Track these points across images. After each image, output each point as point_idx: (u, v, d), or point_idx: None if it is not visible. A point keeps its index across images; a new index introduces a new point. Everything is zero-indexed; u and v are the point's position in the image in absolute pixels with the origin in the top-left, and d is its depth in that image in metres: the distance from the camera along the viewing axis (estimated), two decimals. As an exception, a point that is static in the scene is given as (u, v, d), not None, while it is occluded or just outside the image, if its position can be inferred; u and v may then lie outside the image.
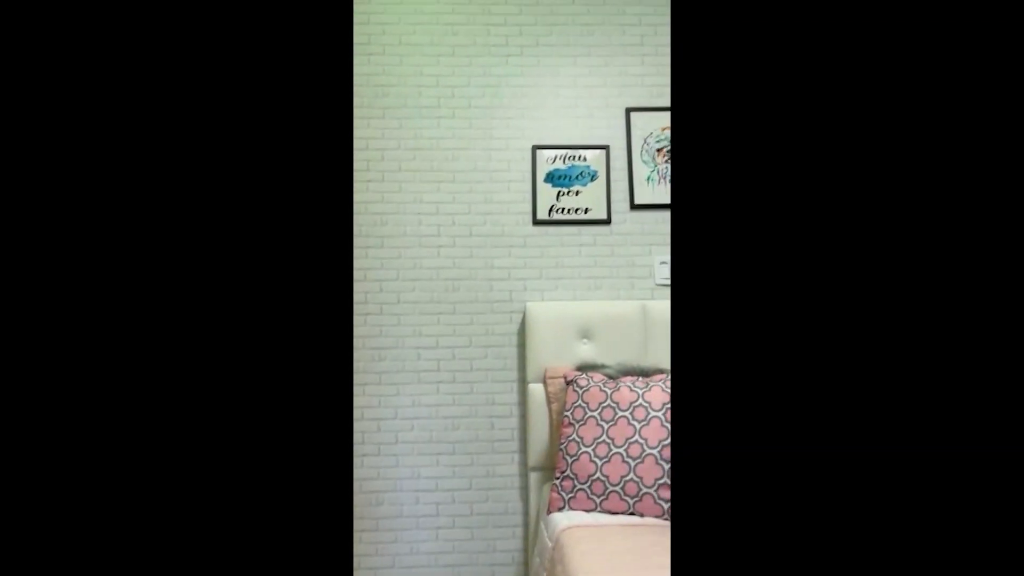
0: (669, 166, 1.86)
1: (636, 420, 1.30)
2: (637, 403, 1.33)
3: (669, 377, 1.39)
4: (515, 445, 1.75)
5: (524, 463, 1.73)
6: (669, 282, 1.82)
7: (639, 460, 1.25)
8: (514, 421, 1.76)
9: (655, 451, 1.26)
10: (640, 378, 1.43)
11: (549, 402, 1.62)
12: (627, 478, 1.25)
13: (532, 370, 1.68)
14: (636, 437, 1.28)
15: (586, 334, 1.70)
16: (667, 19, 1.90)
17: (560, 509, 1.31)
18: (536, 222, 1.82)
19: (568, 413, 1.43)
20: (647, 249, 1.84)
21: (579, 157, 1.84)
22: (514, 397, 1.76)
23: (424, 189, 1.82)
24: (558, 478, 1.34)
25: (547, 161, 1.84)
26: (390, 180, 1.82)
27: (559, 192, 1.83)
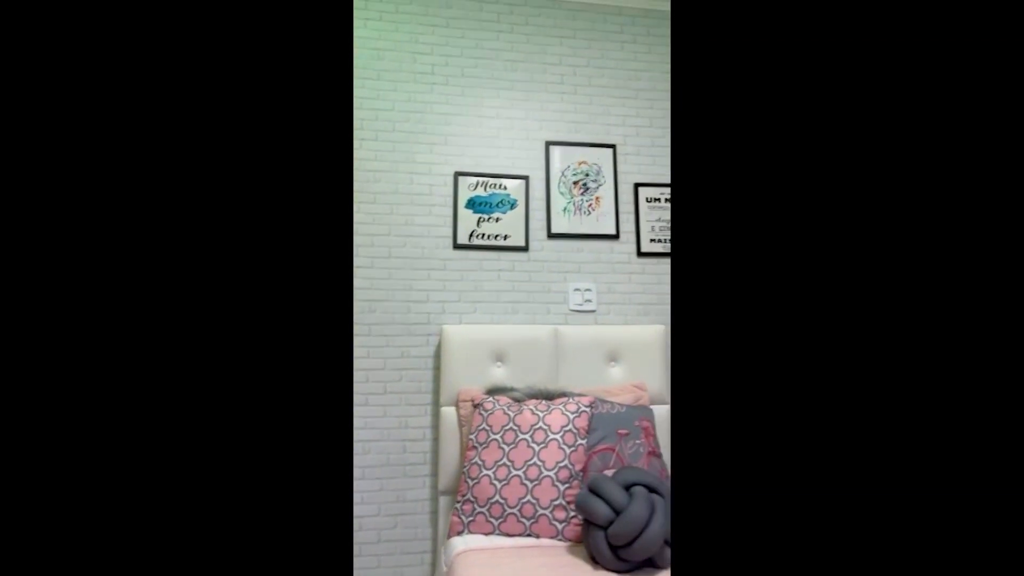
0: (584, 198, 1.96)
1: (536, 443, 1.34)
2: (538, 426, 1.37)
3: (572, 400, 1.45)
4: (427, 469, 1.74)
5: (435, 487, 1.72)
6: (583, 308, 1.90)
7: (536, 482, 1.29)
8: (427, 444, 1.75)
9: (552, 473, 1.30)
10: (544, 401, 1.47)
11: (460, 425, 1.63)
12: (524, 500, 1.27)
13: (446, 393, 1.69)
14: (535, 459, 1.32)
15: (500, 357, 1.74)
16: (587, 60, 2.03)
17: (459, 533, 1.31)
18: (456, 246, 1.85)
19: (472, 436, 1.45)
20: (563, 276, 1.91)
21: (500, 185, 1.91)
22: (427, 420, 1.76)
23: (344, 209, 1.81)
24: (459, 502, 1.35)
25: (469, 187, 1.89)
26: (309, 198, 1.80)
27: (480, 218, 1.88)
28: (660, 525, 1.06)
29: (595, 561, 1.11)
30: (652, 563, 1.09)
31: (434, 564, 1.68)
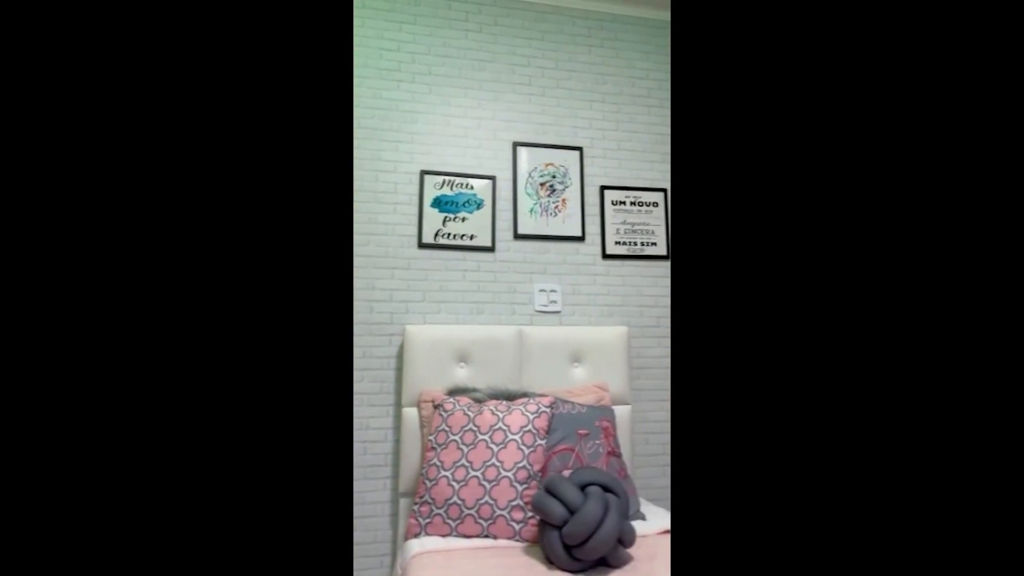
0: (551, 200, 1.97)
1: (494, 443, 1.34)
2: (497, 426, 1.36)
3: (532, 401, 1.45)
4: (388, 471, 1.71)
5: (396, 489, 1.70)
6: (548, 309, 1.91)
7: (494, 483, 1.28)
8: (388, 446, 1.72)
9: (510, 473, 1.29)
10: (504, 402, 1.47)
11: (422, 426, 1.61)
12: (482, 501, 1.27)
13: (408, 394, 1.67)
14: (493, 460, 1.31)
15: (463, 358, 1.73)
16: (555, 63, 2.04)
17: (417, 535, 1.30)
18: (421, 245, 1.83)
19: (432, 437, 1.43)
20: (528, 277, 1.92)
21: (466, 185, 1.90)
22: (389, 421, 1.74)
23: (305, 206, 1.77)
24: (417, 503, 1.34)
25: (435, 186, 1.87)
26: (269, 194, 1.76)
27: (445, 218, 1.87)
28: (614, 524, 1.07)
29: (550, 561, 1.11)
30: (605, 562, 1.10)
31: (393, 566, 1.65)
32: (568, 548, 1.08)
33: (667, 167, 2.08)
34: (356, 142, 1.84)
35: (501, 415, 1.39)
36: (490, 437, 1.35)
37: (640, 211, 2.03)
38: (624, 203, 2.02)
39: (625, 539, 1.11)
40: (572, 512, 1.09)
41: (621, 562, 1.11)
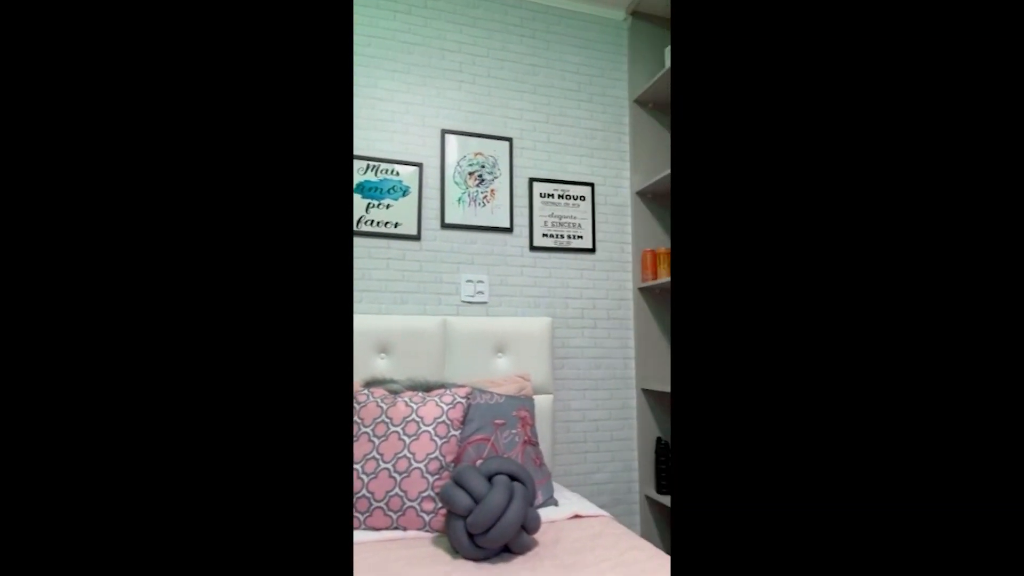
0: (480, 190, 1.96)
1: (407, 435, 1.33)
2: (410, 418, 1.35)
3: (448, 392, 1.44)
4: (303, 464, 1.66)
5: (311, 483, 1.65)
6: (475, 299, 1.91)
7: (405, 474, 1.27)
8: (303, 439, 1.67)
9: (421, 464, 1.29)
10: (420, 393, 1.46)
11: (338, 418, 1.58)
12: (392, 493, 1.26)
13: (325, 385, 1.62)
14: (404, 452, 1.30)
15: (384, 349, 1.70)
16: (487, 51, 2.02)
17: (324, 530, 1.27)
18: (343, 232, 1.77)
19: (344, 430, 1.40)
20: (455, 267, 1.90)
21: (392, 171, 1.85)
22: (305, 413, 1.68)
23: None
24: (325, 497, 1.31)
25: (358, 171, 1.81)
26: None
27: (369, 204, 1.81)
28: (517, 512, 1.09)
29: (455, 551, 1.12)
30: (508, 549, 1.13)
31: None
32: (472, 536, 1.09)
33: (595, 162, 2.12)
34: (273, 121, 1.74)
35: (415, 407, 1.38)
36: (403, 429, 1.33)
37: (568, 204, 2.06)
38: (552, 196, 2.04)
39: (529, 526, 1.14)
40: (477, 502, 1.10)
41: (524, 548, 1.13)
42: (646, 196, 2.12)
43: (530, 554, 1.13)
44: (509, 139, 2.00)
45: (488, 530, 1.07)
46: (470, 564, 1.07)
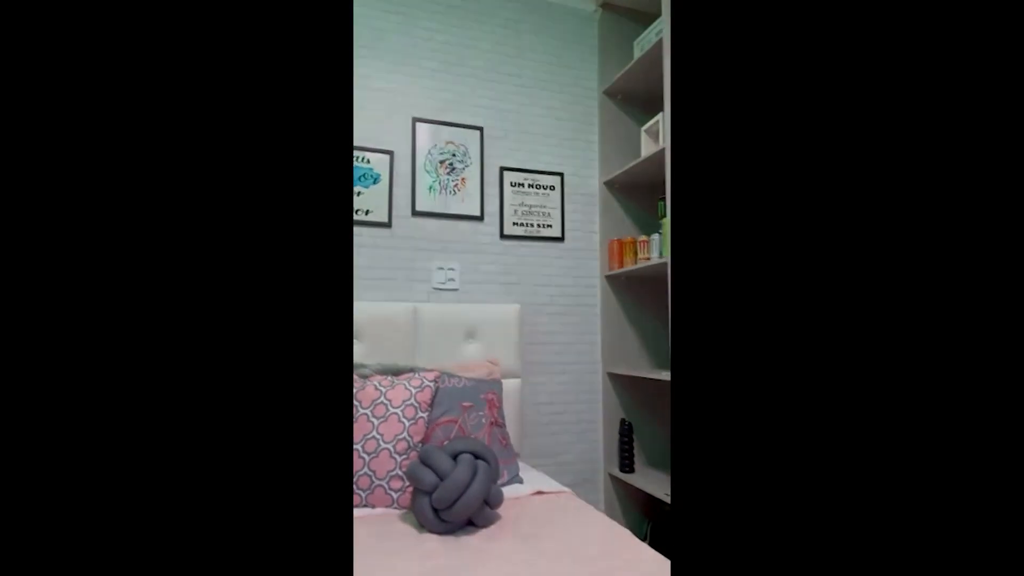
0: (451, 178, 1.98)
1: (375, 417, 1.37)
2: (379, 401, 1.39)
3: (417, 376, 1.49)
4: (274, 447, 1.69)
5: (283, 465, 1.68)
6: (446, 287, 1.95)
7: (374, 455, 1.32)
8: (275, 423, 1.70)
9: (390, 445, 1.34)
10: (389, 377, 1.50)
11: (309, 402, 1.61)
12: (361, 472, 1.30)
13: (295, 370, 1.64)
14: (373, 433, 1.34)
15: (355, 335, 1.73)
16: (458, 39, 2.03)
17: (294, 509, 1.31)
18: (313, 219, 1.78)
19: (314, 413, 1.43)
20: (427, 255, 1.93)
21: (362, 159, 1.86)
22: (276, 398, 1.70)
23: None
24: (295, 478, 1.34)
25: (329, 158, 1.82)
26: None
27: (339, 191, 1.82)
28: (480, 487, 1.15)
29: (421, 526, 1.17)
30: (472, 523, 1.19)
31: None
32: (437, 511, 1.15)
33: (564, 152, 2.16)
34: (240, 106, 1.73)
35: (384, 390, 1.42)
36: (371, 411, 1.38)
37: (538, 193, 2.10)
38: (523, 185, 2.08)
39: (492, 501, 1.20)
40: (442, 479, 1.15)
41: (487, 522, 1.20)
42: (613, 187, 2.18)
43: (492, 527, 1.19)
44: (480, 128, 2.03)
45: (452, 504, 1.13)
46: (435, 537, 1.13)
